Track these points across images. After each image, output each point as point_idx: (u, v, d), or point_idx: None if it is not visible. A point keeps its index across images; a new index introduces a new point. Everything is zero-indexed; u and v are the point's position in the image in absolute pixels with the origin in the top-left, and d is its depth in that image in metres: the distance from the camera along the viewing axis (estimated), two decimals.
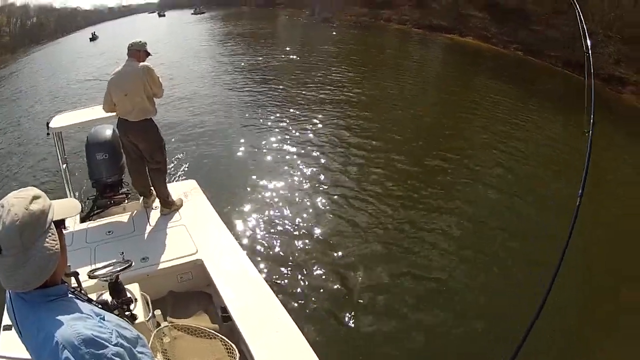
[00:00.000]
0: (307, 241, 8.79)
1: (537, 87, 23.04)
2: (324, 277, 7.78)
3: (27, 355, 1.90)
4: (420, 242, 8.95)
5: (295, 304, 7.10)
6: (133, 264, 3.81)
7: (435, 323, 6.90)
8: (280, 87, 21.34)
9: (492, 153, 13.40)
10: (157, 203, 6.48)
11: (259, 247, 8.52)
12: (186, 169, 11.97)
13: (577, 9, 4.45)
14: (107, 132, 7.08)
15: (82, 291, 2.26)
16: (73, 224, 5.97)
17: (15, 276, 1.78)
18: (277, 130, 15.01)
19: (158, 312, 4.36)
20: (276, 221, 9.47)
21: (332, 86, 21.14)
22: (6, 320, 3.82)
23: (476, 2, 40.46)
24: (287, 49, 33.39)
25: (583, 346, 6.58)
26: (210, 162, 12.61)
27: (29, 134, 17.97)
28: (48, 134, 6.97)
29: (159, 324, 4.22)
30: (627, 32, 25.57)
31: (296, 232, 9.09)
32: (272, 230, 9.12)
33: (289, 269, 7.93)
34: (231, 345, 3.84)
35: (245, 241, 8.63)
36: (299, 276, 7.74)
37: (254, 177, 11.48)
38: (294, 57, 30.24)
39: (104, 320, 1.94)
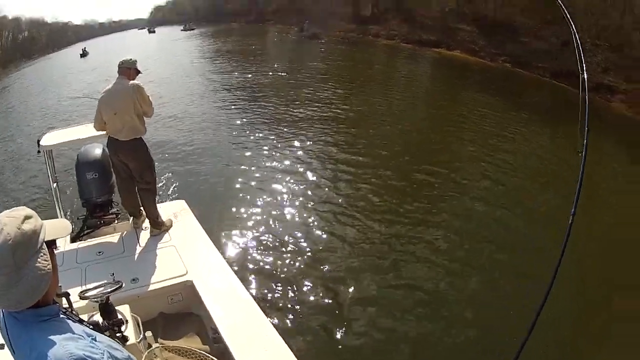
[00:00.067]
0: (296, 257, 8.84)
1: (525, 100, 23.13)
2: (312, 292, 7.84)
3: None
4: (408, 255, 9.02)
5: (287, 320, 7.13)
6: (123, 285, 3.83)
7: (424, 334, 6.96)
8: (269, 104, 21.43)
9: (480, 166, 13.51)
10: (146, 223, 6.47)
11: (249, 266, 8.55)
12: (175, 188, 11.99)
13: (573, 31, 4.47)
14: (97, 151, 7.07)
15: (74, 312, 2.28)
16: (63, 244, 5.96)
17: (8, 295, 1.77)
18: (265, 148, 15.08)
19: (149, 333, 4.35)
20: (265, 239, 9.51)
21: (320, 103, 21.24)
22: None
23: (464, 15, 40.81)
24: (276, 65, 33.56)
25: (577, 358, 6.60)
26: (199, 181, 12.63)
27: (21, 149, 18.03)
28: (39, 151, 6.98)
29: (150, 346, 4.21)
30: (615, 40, 25.79)
31: (285, 249, 9.13)
32: (262, 248, 9.16)
33: (279, 286, 7.97)
34: None
35: (235, 260, 8.65)
36: (289, 293, 7.78)
37: (243, 196, 11.55)
38: (283, 74, 30.40)
39: (95, 341, 1.97)
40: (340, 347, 6.69)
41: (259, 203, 11.12)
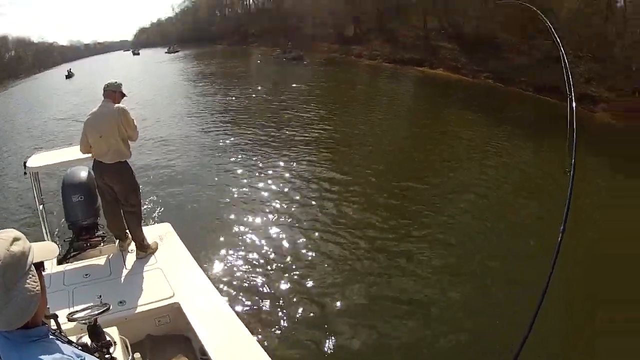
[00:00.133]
0: (281, 274, 8.88)
1: (507, 114, 23.44)
2: (299, 308, 7.88)
3: None
4: (394, 268, 9.16)
5: (275, 339, 7.15)
6: (111, 307, 3.83)
7: (413, 343, 7.08)
8: (252, 126, 21.50)
9: (463, 181, 13.74)
10: (132, 246, 6.45)
11: (235, 285, 8.57)
12: (160, 211, 11.95)
13: (562, 54, 4.54)
14: (83, 173, 7.05)
15: (62, 333, 2.28)
16: (50, 266, 5.93)
17: None
18: (248, 169, 15.13)
19: (137, 355, 4.36)
20: (250, 258, 9.53)
21: (303, 124, 21.41)
22: None
23: (446, 33, 41.21)
24: (259, 87, 33.82)
25: None
26: (183, 204, 12.60)
27: (8, 169, 18.07)
28: (25, 173, 6.96)
29: None
30: (597, 51, 26.15)
31: (270, 267, 9.17)
32: (248, 268, 9.18)
33: (266, 304, 7.99)
34: None
35: (221, 281, 8.65)
36: (276, 310, 7.80)
37: (228, 217, 11.57)
38: (266, 96, 30.58)
39: None
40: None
41: (243, 223, 11.14)
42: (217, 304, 5.17)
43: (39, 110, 35.23)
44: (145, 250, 6.25)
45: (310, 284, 8.54)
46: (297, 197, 12.63)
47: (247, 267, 9.20)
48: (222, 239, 10.36)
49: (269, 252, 9.74)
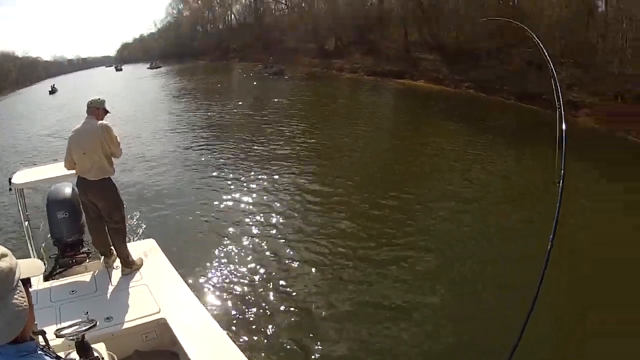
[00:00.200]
0: (267, 286, 8.91)
1: (489, 123, 23.70)
2: (285, 319, 7.91)
3: None
4: (377, 275, 9.21)
5: (262, 352, 7.15)
6: (98, 323, 3.83)
7: (401, 347, 7.15)
8: (234, 142, 21.53)
9: (445, 190, 13.94)
10: (118, 262, 6.45)
11: (220, 299, 8.59)
12: (144, 228, 11.92)
13: (551, 68, 4.61)
14: (67, 190, 7.06)
15: (51, 349, 2.29)
16: (37, 283, 5.92)
17: None
18: (231, 184, 15.15)
19: None
20: (235, 271, 9.56)
21: (285, 139, 21.54)
22: None
23: (427, 45, 41.52)
24: (240, 103, 33.99)
25: None
26: (167, 220, 12.60)
27: None
28: (10, 189, 6.96)
29: None
30: (579, 57, 26.45)
31: (256, 280, 9.20)
32: (233, 281, 9.20)
33: (252, 316, 8.01)
34: None
35: (207, 295, 8.68)
36: (262, 323, 7.81)
37: (211, 231, 11.59)
38: (247, 111, 30.70)
39: None
40: None
41: (227, 237, 11.16)
42: (203, 318, 5.20)
43: (23, 127, 35.27)
44: (130, 267, 6.26)
45: (295, 294, 8.60)
46: (280, 210, 12.70)
47: (231, 280, 9.22)
48: (206, 253, 10.37)
49: (253, 264, 9.78)
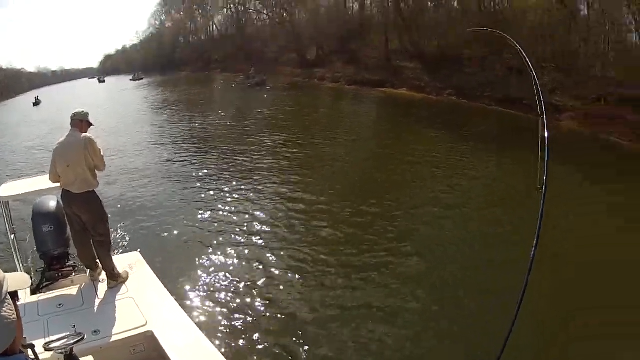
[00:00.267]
0: (253, 294, 8.97)
1: (471, 130, 23.79)
2: (271, 327, 7.98)
3: None
4: (361, 281, 9.34)
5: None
6: (85, 337, 3.88)
7: (386, 352, 7.27)
8: (216, 154, 21.56)
9: (427, 197, 14.11)
10: (103, 276, 6.44)
11: (207, 310, 8.61)
12: (128, 240, 11.90)
13: (534, 77, 4.67)
14: (52, 203, 7.08)
15: None
16: (24, 297, 5.96)
17: None
18: (214, 195, 15.21)
19: None
20: (221, 281, 9.61)
21: (267, 149, 21.60)
22: None
23: (408, 53, 41.68)
24: (223, 114, 34.01)
25: None
26: (151, 232, 12.57)
27: None
28: None
29: None
30: (561, 61, 26.67)
31: (241, 289, 9.25)
32: (218, 291, 9.23)
33: (238, 326, 8.05)
34: None
35: (193, 307, 8.67)
36: (248, 332, 7.85)
37: (196, 242, 11.59)
38: (230, 122, 30.77)
39: None
40: None
41: (211, 247, 11.19)
42: (189, 330, 5.25)
43: (7, 139, 35.20)
44: (116, 280, 6.27)
45: (279, 301, 8.68)
46: (263, 219, 12.78)
47: (217, 289, 9.27)
48: (191, 264, 10.40)
49: (237, 273, 9.85)
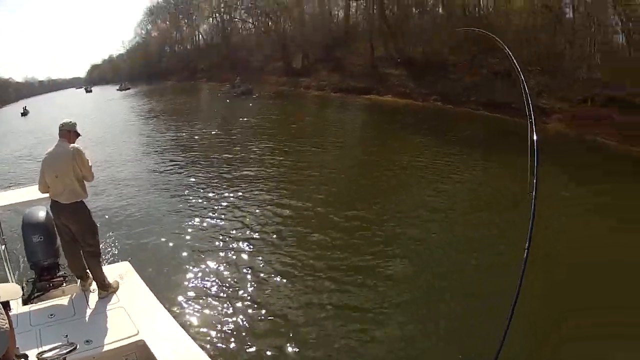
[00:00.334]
0: (243, 301, 9.01)
1: (457, 134, 24.03)
2: (262, 332, 8.02)
3: None
4: (350, 285, 9.41)
5: None
6: (78, 346, 3.92)
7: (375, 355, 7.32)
8: (204, 163, 21.54)
9: (414, 202, 14.16)
10: (94, 286, 6.42)
11: (198, 317, 8.63)
12: (118, 250, 11.87)
13: (522, 81, 4.71)
14: (41, 213, 7.06)
15: None
16: (16, 307, 5.96)
17: None
18: (202, 204, 15.22)
19: None
20: (210, 289, 9.64)
21: (254, 157, 21.69)
22: None
23: (393, 60, 41.80)
24: (209, 123, 34.04)
25: None
26: (140, 242, 12.54)
27: None
28: None
29: None
30: (547, 64, 26.83)
31: (231, 296, 9.28)
32: (208, 298, 9.25)
33: (229, 332, 8.07)
34: None
35: (184, 314, 8.69)
36: (240, 337, 7.88)
37: (184, 251, 11.62)
38: (216, 131, 30.73)
39: None
40: None
41: (200, 255, 11.22)
42: (181, 338, 5.25)
43: None
44: (106, 290, 6.26)
45: (270, 306, 8.73)
46: (251, 226, 12.83)
47: (207, 296, 9.30)
48: (181, 272, 10.43)
49: (227, 280, 9.91)
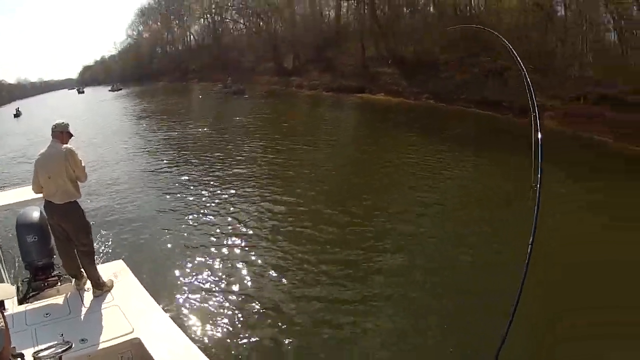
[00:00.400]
0: (237, 298, 9.06)
1: (449, 132, 24.02)
2: (257, 329, 8.05)
3: None
4: (344, 279, 9.49)
5: None
6: (73, 345, 3.96)
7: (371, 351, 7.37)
8: (197, 162, 21.54)
9: (406, 200, 14.23)
10: (89, 285, 6.44)
11: (192, 315, 8.65)
12: (111, 249, 11.88)
13: (525, 76, 4.72)
14: (35, 214, 7.05)
15: None
16: (11, 307, 5.98)
17: None
18: (194, 203, 15.23)
19: None
20: (205, 286, 9.66)
21: (247, 156, 21.71)
22: None
23: (384, 59, 41.85)
24: (201, 123, 33.91)
25: None
26: (134, 241, 12.56)
27: None
28: None
29: None
30: (537, 61, 26.88)
31: (225, 293, 9.32)
32: (203, 296, 9.28)
33: (224, 329, 8.11)
34: None
35: (179, 312, 8.71)
36: (235, 335, 7.93)
37: (178, 249, 11.64)
38: (208, 131, 30.73)
39: None
40: None
41: (194, 253, 11.27)
42: (176, 336, 5.27)
43: None
44: (101, 288, 6.27)
45: (265, 303, 8.75)
46: (244, 223, 12.89)
47: (202, 293, 9.34)
48: (175, 269, 10.45)
49: (221, 276, 9.96)
